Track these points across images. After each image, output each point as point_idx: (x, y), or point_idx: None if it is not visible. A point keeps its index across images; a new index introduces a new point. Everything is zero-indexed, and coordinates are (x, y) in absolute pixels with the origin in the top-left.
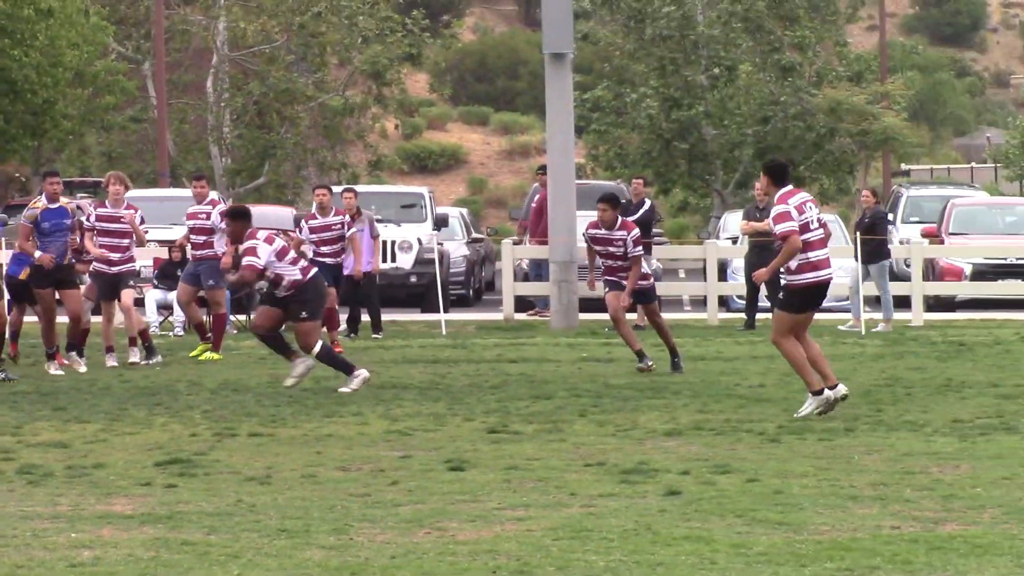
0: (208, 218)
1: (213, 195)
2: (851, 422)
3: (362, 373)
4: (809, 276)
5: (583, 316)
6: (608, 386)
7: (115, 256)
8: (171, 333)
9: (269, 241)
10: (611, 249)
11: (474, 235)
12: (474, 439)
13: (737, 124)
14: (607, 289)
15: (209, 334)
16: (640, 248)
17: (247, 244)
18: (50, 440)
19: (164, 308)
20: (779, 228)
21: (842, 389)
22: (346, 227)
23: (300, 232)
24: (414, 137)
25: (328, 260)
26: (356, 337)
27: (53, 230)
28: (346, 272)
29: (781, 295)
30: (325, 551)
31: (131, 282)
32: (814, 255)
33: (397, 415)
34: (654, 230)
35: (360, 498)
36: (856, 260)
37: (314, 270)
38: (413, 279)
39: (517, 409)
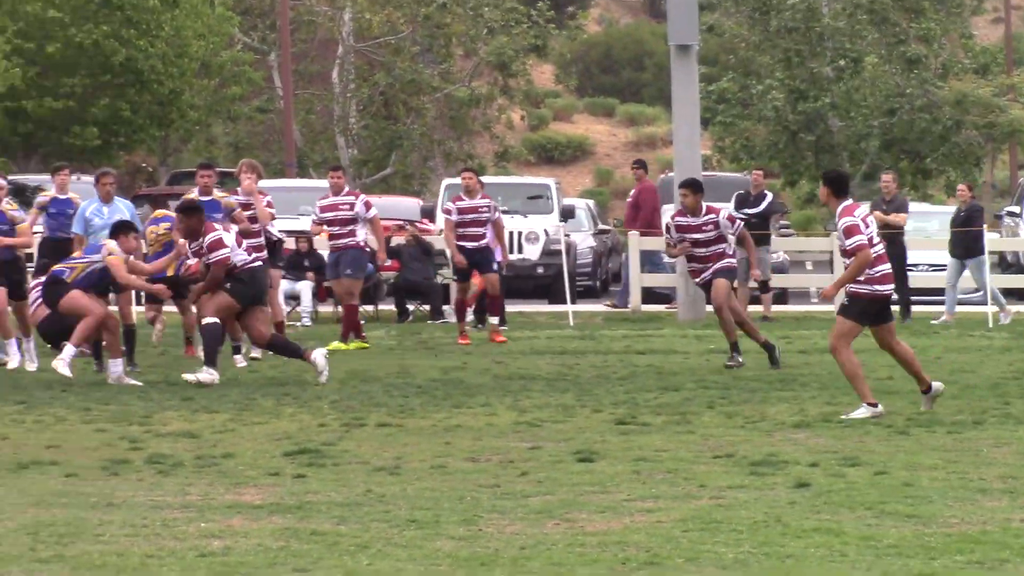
0: (351, 208)
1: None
2: (979, 415)
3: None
4: (873, 288)
5: (709, 308)
6: (736, 378)
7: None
8: (298, 324)
9: (226, 230)
10: (699, 236)
11: (600, 226)
12: (603, 430)
13: (863, 116)
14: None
15: (363, 334)
16: (739, 224)
17: (211, 237)
18: (179, 430)
19: (291, 298)
20: (850, 242)
21: (939, 387)
22: (493, 211)
23: (449, 214)
24: (540, 128)
25: (468, 244)
26: (483, 328)
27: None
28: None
29: (846, 301)
30: (455, 542)
31: None
32: (876, 270)
33: (526, 406)
34: (781, 222)
35: (489, 489)
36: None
37: (259, 261)
38: (540, 270)
39: (645, 400)
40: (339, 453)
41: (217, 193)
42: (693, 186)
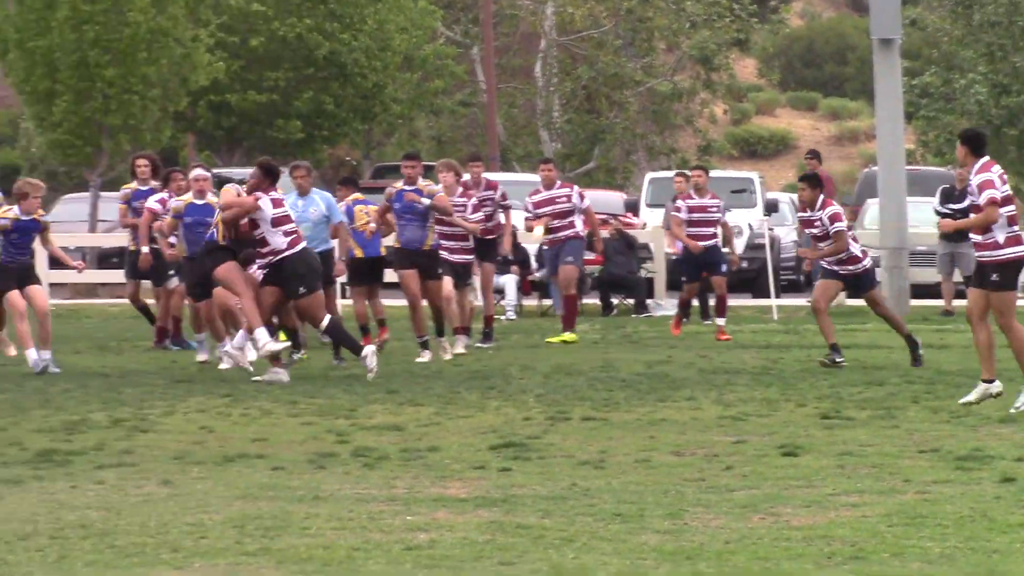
0: (568, 200)
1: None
2: None
3: (370, 359)
4: (1014, 250)
5: (914, 303)
6: (941, 372)
7: (455, 244)
8: (502, 317)
9: (277, 204)
10: (813, 231)
11: None
12: (807, 424)
13: None
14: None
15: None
16: (840, 224)
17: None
18: (384, 423)
19: (496, 292)
20: (983, 197)
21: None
22: (579, 199)
23: (679, 212)
24: (743, 122)
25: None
26: (687, 322)
27: (404, 211)
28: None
29: (996, 276)
30: (660, 535)
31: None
32: (1012, 230)
33: (730, 400)
34: None
35: (694, 483)
36: None
37: (303, 244)
38: (744, 264)
39: (849, 395)
40: (544, 447)
41: (421, 182)
42: (810, 180)
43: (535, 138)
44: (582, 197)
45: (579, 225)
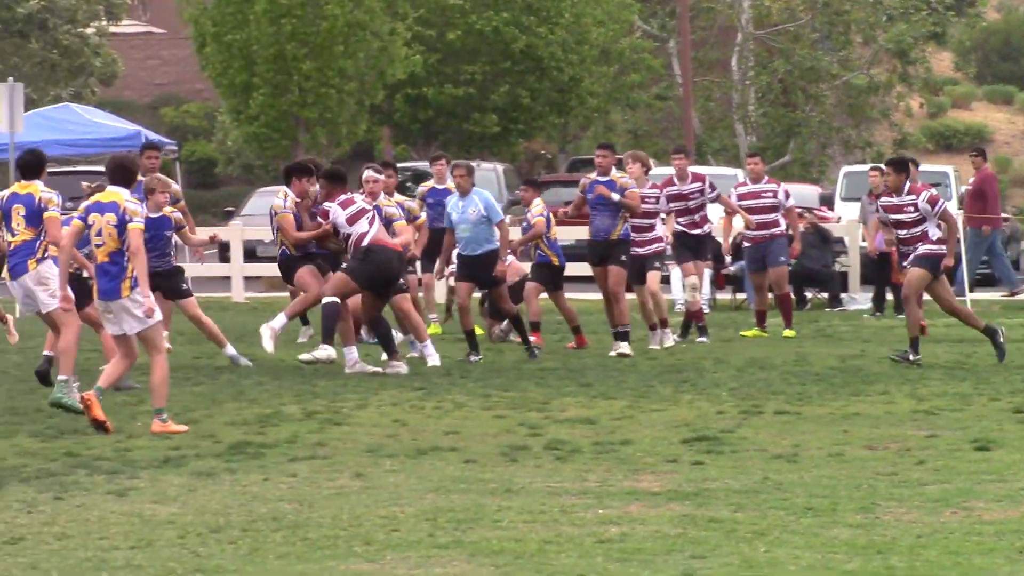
0: (774, 196)
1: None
2: None
3: (400, 367)
4: None
5: None
6: None
7: (640, 236)
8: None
9: (346, 204)
10: (901, 217)
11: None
12: (1000, 419)
13: None
14: (904, 265)
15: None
16: (939, 206)
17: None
18: (577, 416)
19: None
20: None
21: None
22: (784, 196)
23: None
24: (938, 116)
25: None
26: (881, 315)
27: (596, 202)
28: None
29: None
30: (852, 529)
31: (656, 264)
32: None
33: (923, 394)
34: None
35: (887, 477)
36: None
37: (366, 241)
38: None
39: None
40: (737, 440)
41: (615, 173)
42: (897, 164)
43: (730, 132)
44: (787, 195)
45: (783, 223)
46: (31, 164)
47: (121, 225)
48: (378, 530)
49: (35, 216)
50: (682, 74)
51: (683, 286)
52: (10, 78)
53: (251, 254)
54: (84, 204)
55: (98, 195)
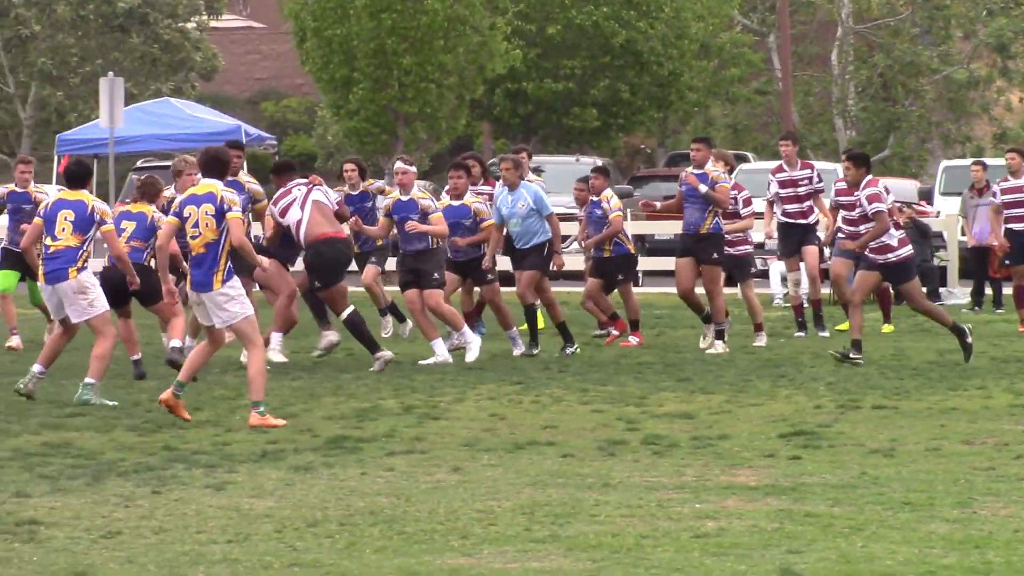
0: (810, 183)
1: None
2: None
3: (385, 355)
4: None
5: None
6: None
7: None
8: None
9: (278, 199)
10: (858, 212)
11: None
12: None
13: None
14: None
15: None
16: (873, 206)
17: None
18: (675, 411)
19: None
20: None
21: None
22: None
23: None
24: None
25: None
26: (980, 310)
27: (688, 194)
28: None
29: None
30: (949, 524)
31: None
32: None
33: (1021, 389)
34: None
35: (984, 472)
36: None
37: (302, 229)
38: None
39: None
40: (834, 435)
41: (709, 167)
42: (856, 159)
43: (830, 126)
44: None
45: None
46: (78, 174)
47: (219, 215)
48: (475, 524)
49: (85, 224)
50: (782, 69)
51: (783, 279)
52: (110, 73)
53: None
54: (177, 200)
55: (192, 188)
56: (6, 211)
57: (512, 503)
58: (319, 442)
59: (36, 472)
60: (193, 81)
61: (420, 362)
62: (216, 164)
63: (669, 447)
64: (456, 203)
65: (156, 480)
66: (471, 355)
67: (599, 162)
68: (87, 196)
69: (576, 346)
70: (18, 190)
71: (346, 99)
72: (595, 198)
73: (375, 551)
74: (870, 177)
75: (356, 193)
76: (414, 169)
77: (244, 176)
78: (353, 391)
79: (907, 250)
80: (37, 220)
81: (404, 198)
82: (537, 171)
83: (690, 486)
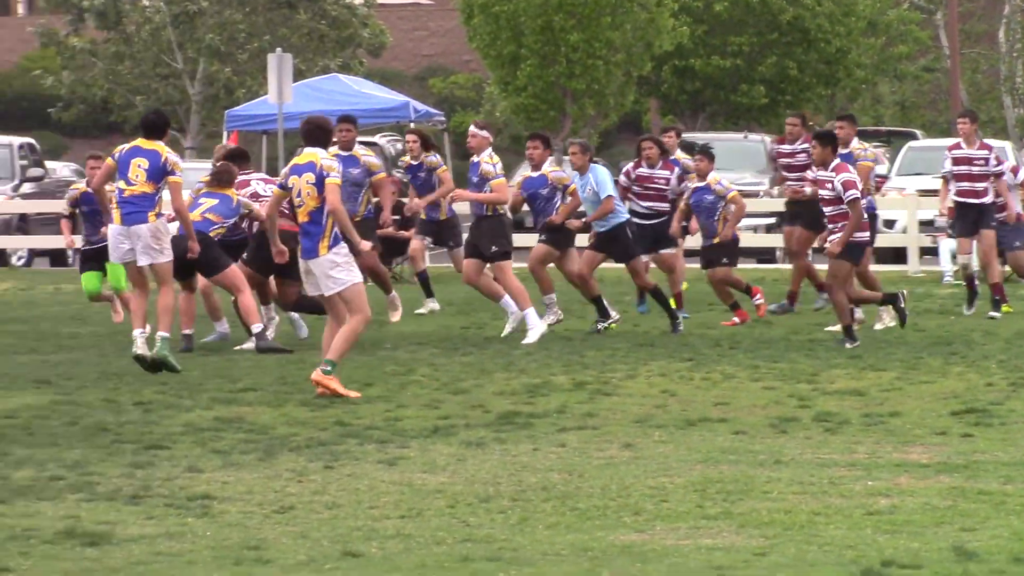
0: (986, 164)
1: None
2: None
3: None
4: None
5: None
6: None
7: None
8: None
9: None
10: (823, 193)
11: None
12: None
13: None
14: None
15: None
16: (849, 193)
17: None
18: (846, 388)
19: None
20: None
21: None
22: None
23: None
24: None
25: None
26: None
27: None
28: None
29: None
30: None
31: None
32: None
33: None
34: None
35: None
36: None
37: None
38: None
39: None
40: (1006, 413)
41: (854, 145)
42: (822, 138)
43: (998, 104)
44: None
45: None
46: (156, 123)
47: (320, 182)
48: (647, 500)
49: (158, 173)
50: (949, 46)
51: (953, 257)
52: (278, 49)
53: (519, 224)
54: (283, 171)
55: (296, 158)
56: (79, 211)
57: (684, 480)
58: (491, 418)
59: (208, 447)
60: (360, 57)
61: (523, 342)
62: (318, 134)
63: (840, 424)
64: (535, 174)
65: (328, 455)
66: (507, 331)
67: (766, 139)
68: (162, 147)
69: (608, 319)
70: (91, 190)
71: (514, 75)
72: (701, 183)
73: (547, 527)
74: (838, 161)
75: (416, 163)
76: (484, 133)
77: (359, 149)
78: (524, 367)
79: None
80: (109, 161)
81: (475, 160)
82: (705, 148)
83: (862, 463)
